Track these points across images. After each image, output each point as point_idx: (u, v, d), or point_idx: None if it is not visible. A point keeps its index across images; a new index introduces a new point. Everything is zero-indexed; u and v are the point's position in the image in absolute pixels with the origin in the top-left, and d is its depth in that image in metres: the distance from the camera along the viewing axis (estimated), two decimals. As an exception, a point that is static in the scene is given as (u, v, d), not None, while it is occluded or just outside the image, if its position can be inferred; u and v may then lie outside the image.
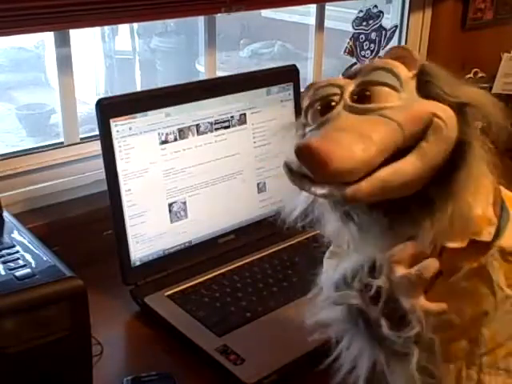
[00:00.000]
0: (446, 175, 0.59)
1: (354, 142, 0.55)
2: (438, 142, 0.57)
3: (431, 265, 0.61)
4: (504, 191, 0.67)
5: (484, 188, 0.63)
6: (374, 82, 0.61)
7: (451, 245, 0.61)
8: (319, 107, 0.63)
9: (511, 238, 0.63)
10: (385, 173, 0.56)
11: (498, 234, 0.62)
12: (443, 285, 0.63)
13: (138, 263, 1.04)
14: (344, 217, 0.64)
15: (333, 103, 0.62)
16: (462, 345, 0.64)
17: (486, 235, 0.62)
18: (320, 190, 0.59)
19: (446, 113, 0.58)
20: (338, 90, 0.62)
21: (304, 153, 0.56)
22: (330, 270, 0.71)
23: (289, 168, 0.61)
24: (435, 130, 0.57)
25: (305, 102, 0.65)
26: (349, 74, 0.64)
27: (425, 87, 0.61)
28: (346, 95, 0.61)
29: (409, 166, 0.57)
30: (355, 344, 0.69)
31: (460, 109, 0.59)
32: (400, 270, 0.62)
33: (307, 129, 0.64)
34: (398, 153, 0.57)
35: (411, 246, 0.62)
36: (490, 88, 1.70)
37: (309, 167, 0.57)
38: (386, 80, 0.60)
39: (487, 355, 0.65)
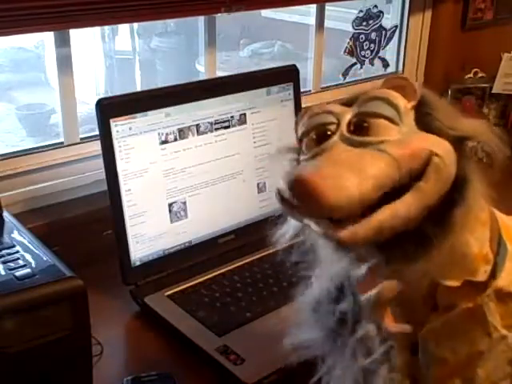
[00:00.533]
0: (442, 211, 0.57)
1: (348, 176, 0.53)
2: (437, 181, 0.56)
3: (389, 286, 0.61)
4: (501, 218, 0.65)
5: (481, 224, 0.61)
6: (372, 113, 0.59)
7: (446, 283, 0.60)
8: (315, 136, 0.61)
9: (507, 278, 0.61)
10: (381, 216, 0.54)
11: (494, 272, 0.61)
12: (439, 320, 0.62)
13: (137, 263, 1.04)
14: (337, 247, 0.62)
15: (329, 132, 0.60)
16: None
17: (482, 274, 0.60)
18: (314, 227, 0.57)
19: (444, 149, 0.56)
20: (333, 119, 0.60)
21: (296, 185, 0.53)
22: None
23: (281, 196, 0.58)
24: (435, 170, 0.56)
25: (300, 130, 0.63)
26: (345, 101, 0.62)
27: (424, 119, 0.59)
28: (343, 126, 0.59)
29: (406, 207, 0.55)
30: (339, 364, 0.68)
31: (459, 142, 0.58)
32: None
33: (302, 157, 0.62)
34: (394, 190, 0.55)
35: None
36: (490, 88, 1.70)
37: (300, 201, 0.54)
38: (385, 112, 0.58)
39: None
